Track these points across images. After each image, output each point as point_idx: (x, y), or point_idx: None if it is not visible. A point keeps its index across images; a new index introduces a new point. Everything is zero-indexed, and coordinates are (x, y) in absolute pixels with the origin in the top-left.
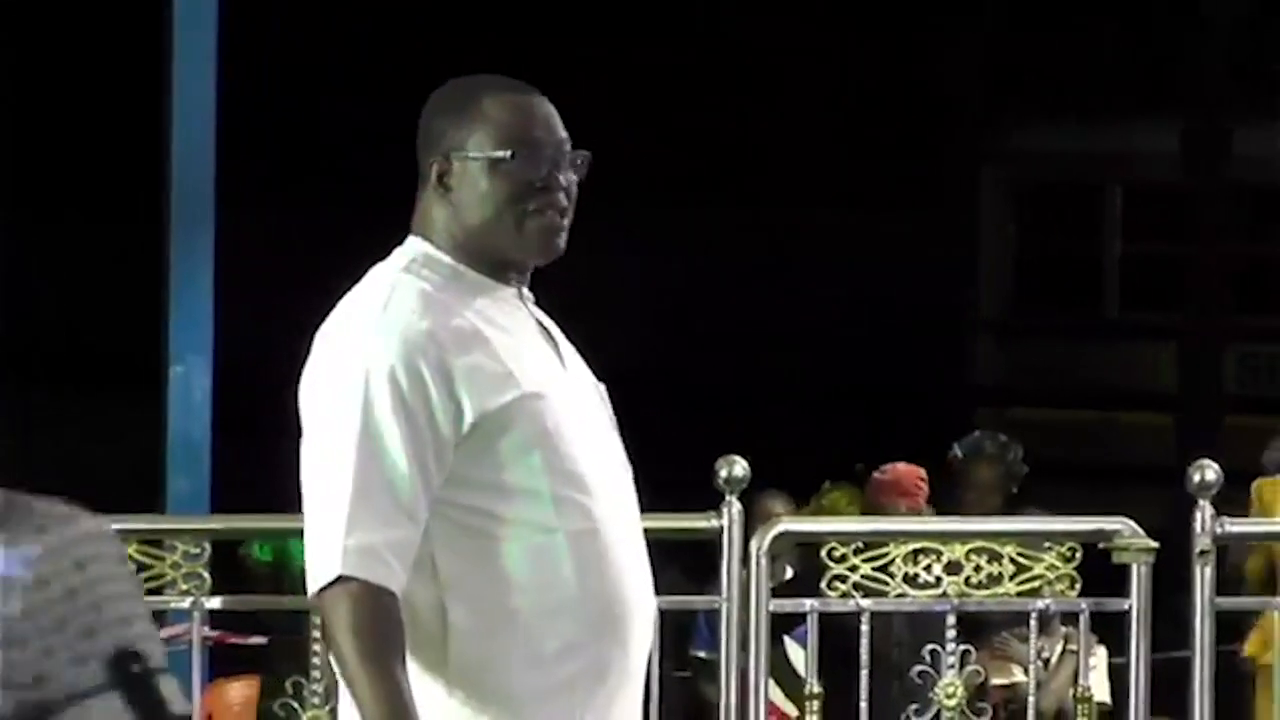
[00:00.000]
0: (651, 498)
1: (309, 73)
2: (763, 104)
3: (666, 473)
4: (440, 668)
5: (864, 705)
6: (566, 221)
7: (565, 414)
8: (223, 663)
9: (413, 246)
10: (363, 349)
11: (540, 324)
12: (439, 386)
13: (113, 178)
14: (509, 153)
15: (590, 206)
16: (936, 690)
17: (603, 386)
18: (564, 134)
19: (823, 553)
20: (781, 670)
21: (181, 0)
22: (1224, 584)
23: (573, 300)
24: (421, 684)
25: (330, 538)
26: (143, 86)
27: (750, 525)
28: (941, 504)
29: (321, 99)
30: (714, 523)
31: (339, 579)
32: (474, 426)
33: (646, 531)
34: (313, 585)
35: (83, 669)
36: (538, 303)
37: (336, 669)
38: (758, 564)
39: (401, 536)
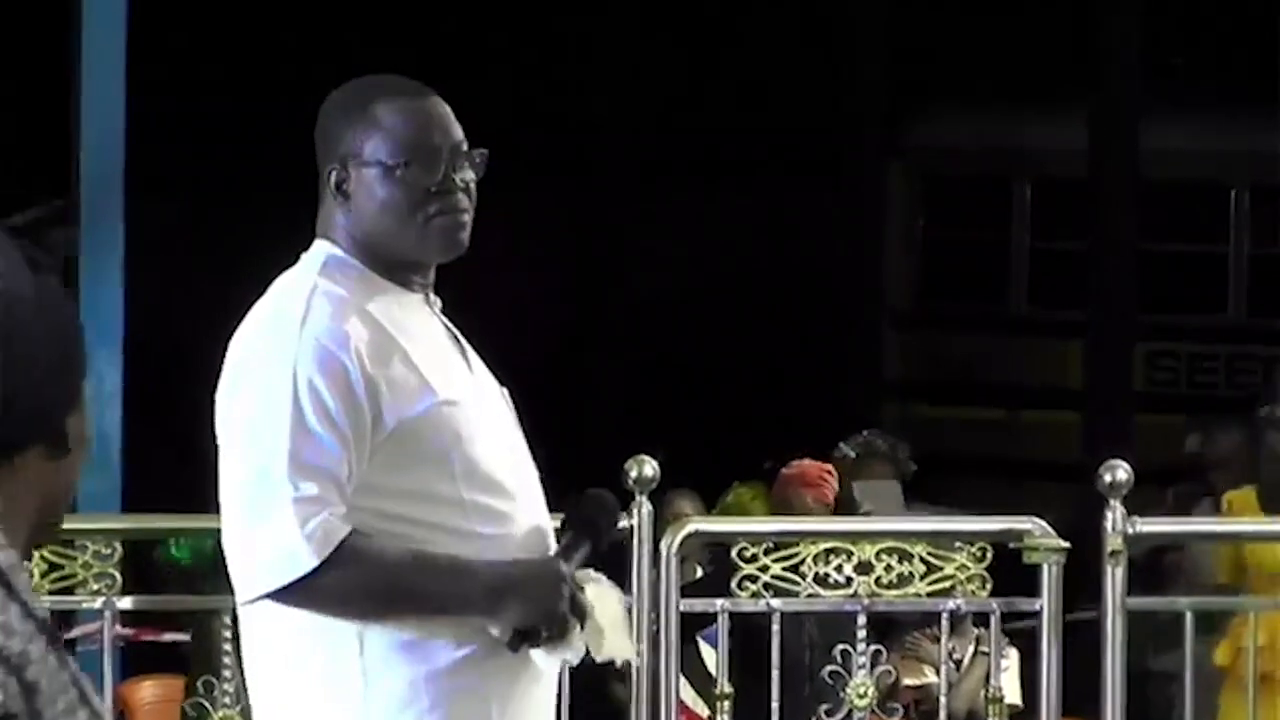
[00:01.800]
0: (560, 499)
1: (220, 59)
2: (659, 85)
3: (574, 473)
4: (355, 669)
5: (775, 705)
6: (467, 219)
7: (476, 419)
8: (149, 662)
9: (320, 250)
10: (286, 357)
11: (447, 329)
12: (361, 392)
13: (21, 169)
14: (404, 160)
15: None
16: (848, 691)
17: (506, 390)
18: (459, 135)
19: (733, 553)
20: (693, 670)
21: None
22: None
23: (471, 297)
24: (336, 687)
25: (283, 535)
26: (51, 76)
27: (660, 525)
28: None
29: (233, 85)
30: (624, 523)
31: (317, 569)
32: (391, 434)
33: (557, 531)
34: (274, 583)
35: None
36: (444, 308)
37: (386, 626)
38: (668, 564)
39: (342, 513)
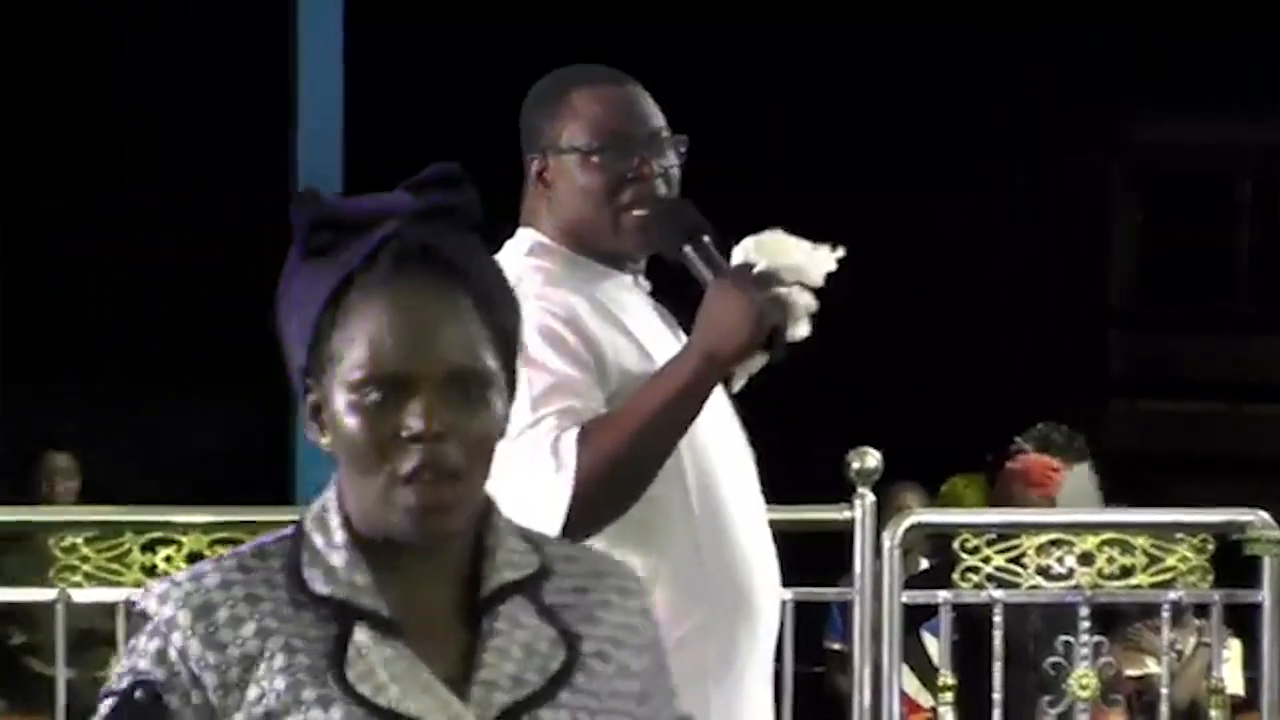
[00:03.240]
0: (780, 489)
1: (438, 58)
2: (888, 95)
3: (796, 463)
4: None
5: (997, 696)
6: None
7: None
8: None
9: (525, 236)
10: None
11: (658, 312)
12: (593, 350)
13: (240, 169)
14: (599, 146)
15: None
16: (1070, 681)
17: None
18: (658, 122)
19: (955, 544)
20: (916, 661)
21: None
22: None
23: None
24: None
25: (541, 472)
26: (271, 75)
27: (882, 517)
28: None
29: (450, 83)
30: (846, 514)
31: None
32: (616, 394)
33: (779, 523)
34: (558, 520)
35: None
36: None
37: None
38: (890, 556)
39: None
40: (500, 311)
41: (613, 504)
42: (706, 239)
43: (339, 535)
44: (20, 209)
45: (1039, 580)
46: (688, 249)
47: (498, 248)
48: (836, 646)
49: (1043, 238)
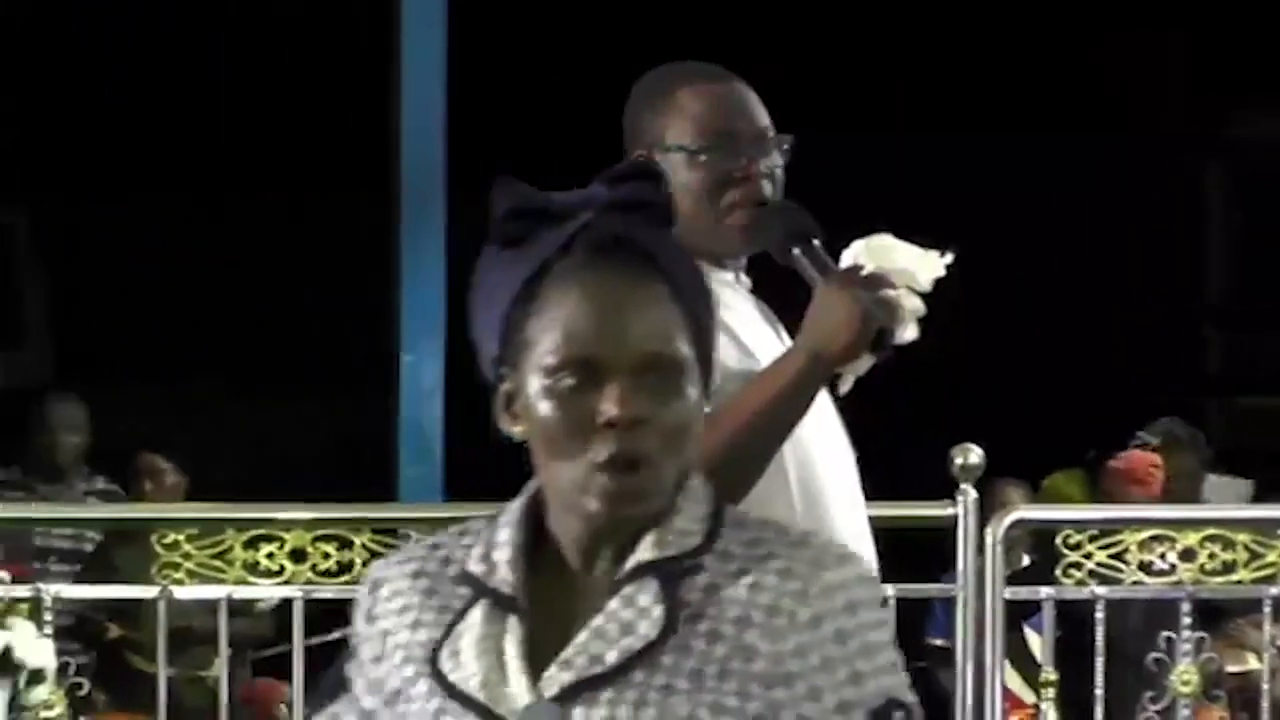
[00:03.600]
0: (884, 485)
1: (538, 55)
2: (996, 94)
3: (900, 460)
4: None
5: (1099, 693)
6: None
7: None
8: None
9: None
10: None
11: (760, 310)
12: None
13: (341, 164)
14: (705, 145)
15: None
16: (1172, 677)
17: None
18: (764, 121)
19: (1058, 540)
20: (1020, 657)
21: None
22: None
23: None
24: None
25: None
26: (372, 70)
27: (985, 513)
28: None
29: (553, 76)
30: (949, 511)
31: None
32: (716, 390)
33: (882, 519)
34: None
35: (846, 716)
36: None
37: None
38: (993, 552)
39: None
40: (694, 301)
41: (732, 477)
42: (816, 242)
43: (512, 513)
44: (129, 210)
45: (1141, 576)
46: (797, 252)
47: None
48: (939, 643)
49: (1142, 237)
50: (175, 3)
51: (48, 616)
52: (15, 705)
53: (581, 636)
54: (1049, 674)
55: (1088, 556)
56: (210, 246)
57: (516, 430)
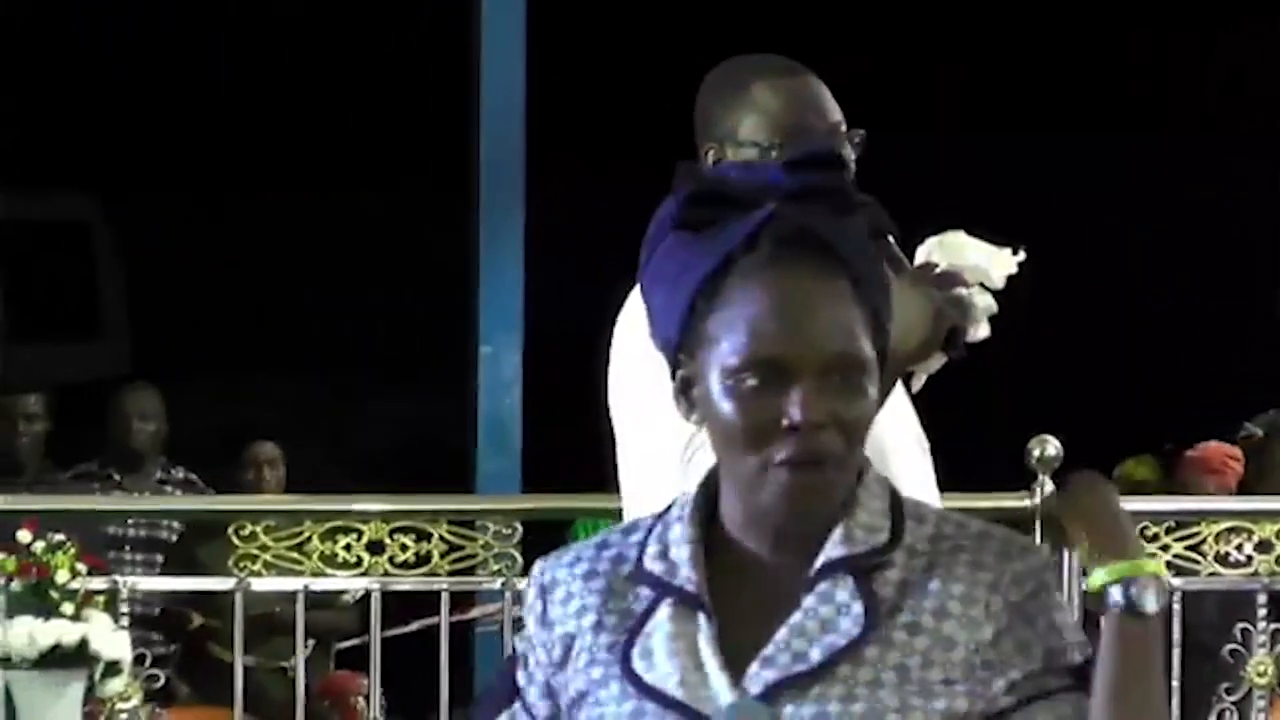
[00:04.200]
0: (962, 476)
1: (618, 44)
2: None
3: (977, 451)
4: None
5: (1175, 684)
6: None
7: None
8: None
9: None
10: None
11: None
12: None
13: (421, 157)
14: (779, 141)
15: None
16: (1247, 669)
17: None
18: (836, 116)
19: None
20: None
21: None
22: None
23: None
24: None
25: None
26: (453, 63)
27: None
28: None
29: (631, 69)
30: (1027, 502)
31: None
32: None
33: (959, 511)
34: None
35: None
36: None
37: None
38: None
39: None
40: (874, 294)
41: None
42: (890, 238)
43: (688, 508)
44: (207, 205)
45: (1217, 568)
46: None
47: None
48: None
49: (1219, 231)
50: None
51: (124, 608)
52: (91, 696)
53: (782, 633)
54: None
55: (1164, 548)
56: (288, 240)
57: (692, 419)
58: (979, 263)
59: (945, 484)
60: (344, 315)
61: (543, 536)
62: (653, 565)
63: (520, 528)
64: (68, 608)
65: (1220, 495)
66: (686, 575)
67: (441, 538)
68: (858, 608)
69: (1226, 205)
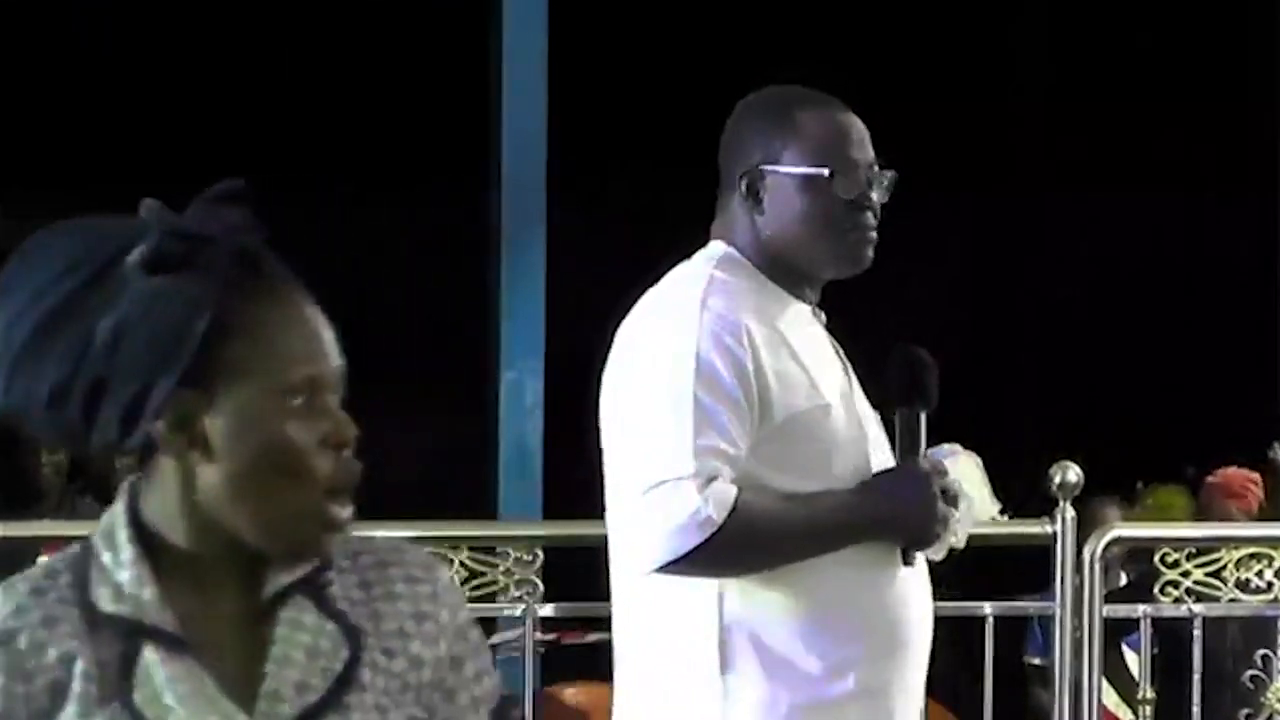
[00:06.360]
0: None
1: (641, 69)
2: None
3: (997, 478)
4: (710, 671)
5: (1196, 710)
6: (875, 237)
7: (857, 429)
8: (561, 666)
9: (716, 249)
10: (688, 336)
11: (831, 343)
12: (756, 380)
13: (442, 182)
14: (827, 170)
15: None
16: (1268, 695)
17: (876, 414)
18: (873, 153)
19: (1155, 558)
20: (1116, 675)
21: None
22: None
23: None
24: (693, 705)
25: (686, 505)
26: (474, 89)
27: (1083, 531)
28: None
29: (655, 95)
30: (1047, 529)
31: (712, 534)
32: (779, 427)
33: (979, 537)
34: (683, 547)
35: (478, 714)
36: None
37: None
38: (1091, 570)
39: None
40: None
41: (729, 573)
42: (923, 414)
43: (127, 550)
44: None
45: (1238, 594)
46: (903, 410)
47: (689, 254)
48: (1036, 661)
49: (1243, 253)
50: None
51: None
52: None
53: (272, 666)
54: (1146, 692)
55: (1185, 574)
56: (308, 264)
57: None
58: (974, 494)
59: None
60: (365, 339)
61: (564, 562)
62: (115, 606)
63: (542, 554)
64: None
65: (1243, 519)
66: (156, 618)
67: (462, 564)
68: (332, 629)
69: (1254, 226)
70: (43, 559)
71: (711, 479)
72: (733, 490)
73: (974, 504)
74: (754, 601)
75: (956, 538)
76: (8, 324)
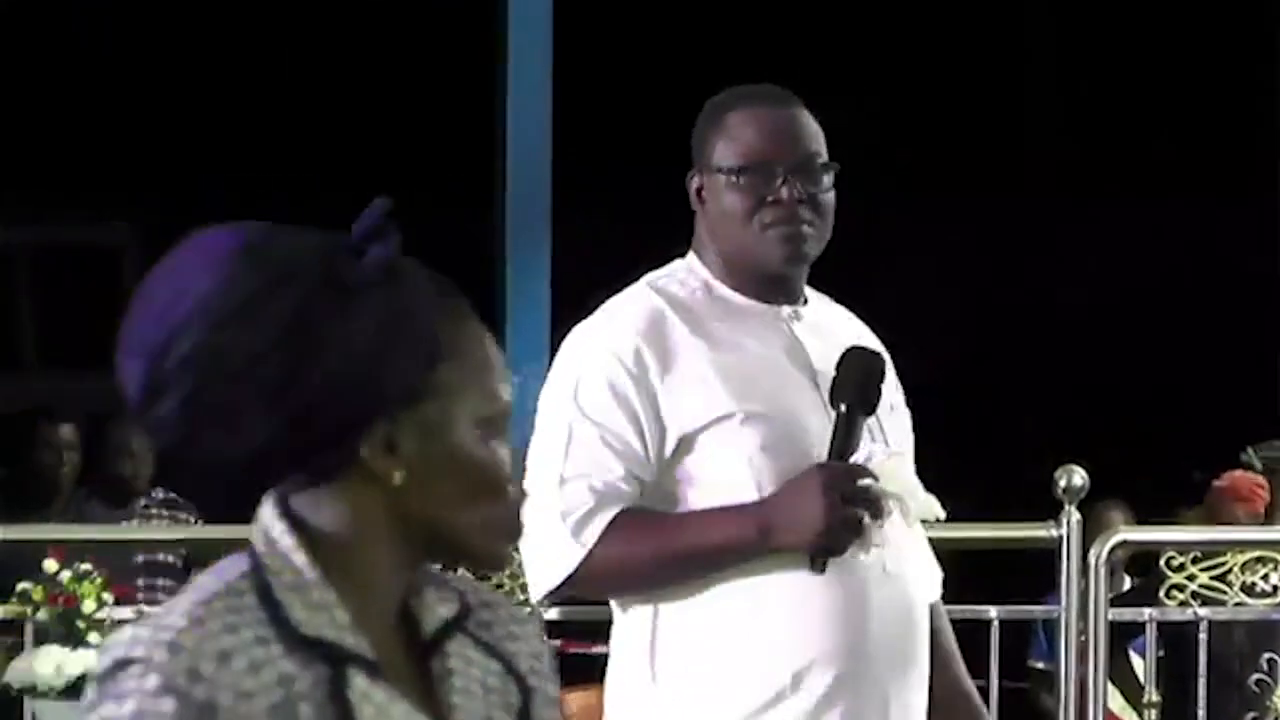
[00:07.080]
0: (987, 506)
1: (645, 75)
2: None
3: (1002, 483)
4: (643, 681)
5: (1202, 714)
6: (806, 230)
7: (787, 434)
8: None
9: (677, 262)
10: (573, 364)
11: (798, 345)
12: (646, 402)
13: (446, 183)
14: (741, 166)
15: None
16: (1274, 698)
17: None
18: (813, 147)
19: (1161, 562)
20: (1122, 679)
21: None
22: None
23: (887, 306)
24: (625, 692)
25: (556, 533)
26: (479, 94)
27: (1089, 535)
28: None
29: (658, 101)
30: (1053, 532)
31: (577, 567)
32: (683, 441)
33: (985, 540)
34: (554, 581)
35: None
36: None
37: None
38: (1096, 574)
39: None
40: None
41: (612, 594)
42: (863, 418)
43: (311, 572)
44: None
45: (1244, 598)
46: (842, 408)
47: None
48: (1041, 665)
49: (1247, 256)
50: (284, 11)
51: None
52: None
53: (458, 699)
54: (1152, 695)
55: (1191, 578)
56: None
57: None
58: (906, 492)
59: (972, 514)
60: None
61: None
62: (318, 630)
63: None
64: (95, 637)
65: (1251, 523)
66: (354, 643)
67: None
68: (496, 666)
69: (1258, 230)
70: (190, 569)
71: (581, 510)
72: (601, 519)
73: (909, 505)
74: (684, 611)
75: (879, 539)
76: (215, 328)
